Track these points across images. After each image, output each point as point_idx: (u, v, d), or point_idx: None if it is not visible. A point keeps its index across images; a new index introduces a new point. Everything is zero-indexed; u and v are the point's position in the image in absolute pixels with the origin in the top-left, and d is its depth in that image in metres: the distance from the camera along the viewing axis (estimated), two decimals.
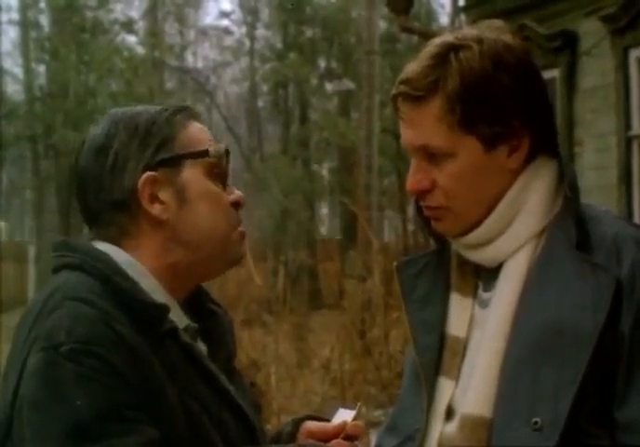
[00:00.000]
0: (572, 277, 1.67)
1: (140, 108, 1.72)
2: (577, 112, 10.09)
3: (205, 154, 1.70)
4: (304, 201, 26.84)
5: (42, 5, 25.12)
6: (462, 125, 1.70)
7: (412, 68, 1.73)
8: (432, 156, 1.73)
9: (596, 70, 9.95)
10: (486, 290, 1.80)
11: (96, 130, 1.69)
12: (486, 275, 1.80)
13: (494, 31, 1.75)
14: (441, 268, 1.87)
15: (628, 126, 9.70)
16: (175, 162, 1.67)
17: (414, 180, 1.76)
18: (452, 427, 1.75)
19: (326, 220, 36.58)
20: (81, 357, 1.48)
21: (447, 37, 1.75)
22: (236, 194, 1.74)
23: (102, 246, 1.66)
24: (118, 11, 27.53)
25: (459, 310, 1.82)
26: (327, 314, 13.44)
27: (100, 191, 1.66)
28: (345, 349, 9.10)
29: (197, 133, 1.72)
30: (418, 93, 1.71)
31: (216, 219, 1.68)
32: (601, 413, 1.64)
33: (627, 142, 9.70)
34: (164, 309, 1.60)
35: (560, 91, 10.20)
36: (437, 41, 1.75)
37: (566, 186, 1.73)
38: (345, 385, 8.52)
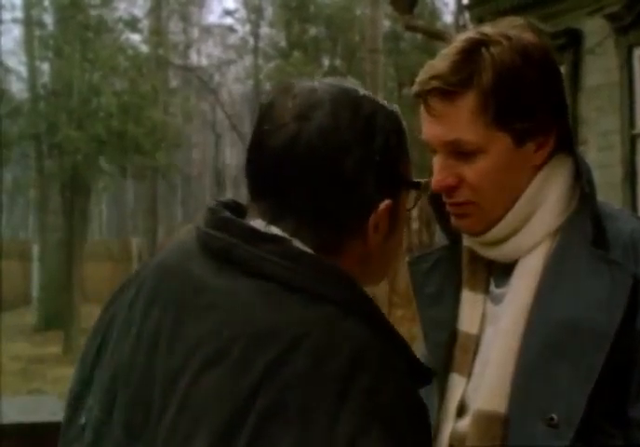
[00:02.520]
0: (588, 275, 1.67)
1: (369, 95, 1.44)
2: (581, 110, 10.09)
3: (419, 186, 1.48)
4: None
5: (46, 3, 25.11)
6: (497, 120, 1.69)
7: (442, 64, 1.70)
8: (460, 152, 1.72)
9: (600, 68, 9.95)
10: (498, 286, 1.80)
11: (328, 110, 1.38)
12: (499, 271, 1.80)
13: (515, 28, 1.74)
14: (453, 264, 1.86)
15: (632, 124, 9.70)
16: (400, 189, 1.45)
17: (441, 176, 1.73)
18: (464, 424, 1.75)
19: None
20: None
21: (473, 34, 1.73)
22: None
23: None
24: (122, 10, 27.57)
25: (470, 306, 1.81)
26: None
27: (324, 192, 1.37)
28: None
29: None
30: (452, 88, 1.69)
31: (400, 247, 1.51)
32: (616, 412, 1.63)
33: (631, 141, 9.70)
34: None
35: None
36: (464, 37, 1.73)
37: (585, 183, 1.72)
38: None
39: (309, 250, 1.36)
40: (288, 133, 1.36)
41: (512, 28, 1.74)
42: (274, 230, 1.36)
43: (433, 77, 1.70)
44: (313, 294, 1.31)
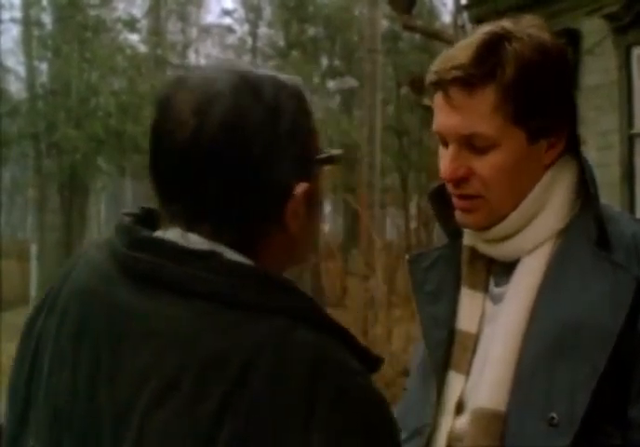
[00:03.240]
0: (592, 275, 1.67)
1: (268, 75, 1.34)
2: (580, 110, 10.07)
3: (333, 160, 1.41)
4: None
5: (44, 3, 25.11)
6: (515, 115, 1.68)
7: (464, 53, 1.68)
8: (473, 144, 1.71)
9: (599, 68, 9.94)
10: (498, 285, 1.79)
11: (227, 100, 1.29)
12: (499, 270, 1.80)
13: (534, 27, 1.74)
14: (452, 263, 1.86)
15: (630, 124, 9.69)
16: (317, 167, 1.37)
17: (452, 167, 1.72)
18: (462, 422, 1.75)
19: (328, 218, 36.61)
20: None
21: (495, 28, 1.72)
22: None
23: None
24: (121, 10, 27.56)
25: (469, 305, 1.81)
26: (330, 312, 13.46)
27: (235, 186, 1.29)
28: None
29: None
30: (474, 79, 1.67)
31: (320, 227, 1.45)
32: (616, 412, 1.63)
33: (629, 141, 9.70)
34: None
35: None
36: (485, 30, 1.72)
37: (590, 185, 1.73)
38: None
39: (240, 259, 1.29)
40: (190, 130, 1.28)
41: (530, 27, 1.74)
42: (193, 237, 1.29)
43: (454, 67, 1.68)
44: (256, 308, 1.24)
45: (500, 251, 1.78)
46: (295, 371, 1.20)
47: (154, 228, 1.35)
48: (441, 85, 1.70)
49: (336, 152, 1.42)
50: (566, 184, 1.77)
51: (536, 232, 1.75)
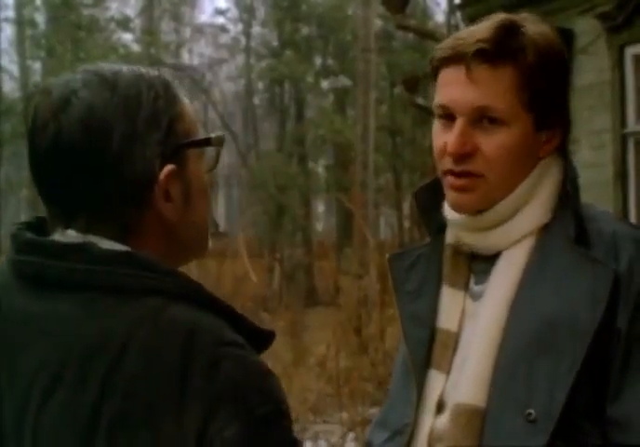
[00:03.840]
0: (570, 271, 1.68)
1: (128, 70, 1.39)
2: (573, 109, 10.07)
3: (209, 142, 1.43)
4: (300, 198, 26.84)
5: (38, 2, 25.10)
6: (529, 101, 1.71)
7: (485, 31, 1.70)
8: (482, 121, 1.72)
9: (592, 67, 9.96)
10: (478, 283, 1.80)
11: (82, 98, 1.33)
12: (479, 268, 1.80)
13: (539, 23, 1.77)
14: (433, 261, 1.87)
15: (623, 123, 9.71)
16: (184, 151, 1.38)
17: (459, 142, 1.72)
18: (442, 421, 1.75)
19: (321, 217, 36.60)
20: (281, 420, 1.28)
21: (507, 16, 1.75)
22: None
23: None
24: (114, 9, 27.56)
25: (450, 303, 1.82)
26: (323, 311, 13.47)
27: (99, 179, 1.33)
28: (341, 346, 9.10)
29: (192, 112, 1.44)
30: (499, 54, 1.69)
31: (207, 215, 1.46)
32: (594, 409, 1.64)
33: (622, 140, 9.71)
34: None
35: None
36: (500, 16, 1.74)
37: (569, 184, 1.74)
38: (341, 382, 8.52)
39: (115, 247, 1.32)
40: (51, 133, 1.34)
41: (535, 22, 1.77)
42: (70, 233, 1.34)
43: (480, 40, 1.69)
44: (132, 292, 1.29)
45: (484, 242, 1.78)
46: (168, 345, 1.25)
47: (46, 233, 1.39)
48: (460, 58, 1.71)
49: (214, 134, 1.44)
50: (553, 180, 1.78)
51: (521, 223, 1.76)
